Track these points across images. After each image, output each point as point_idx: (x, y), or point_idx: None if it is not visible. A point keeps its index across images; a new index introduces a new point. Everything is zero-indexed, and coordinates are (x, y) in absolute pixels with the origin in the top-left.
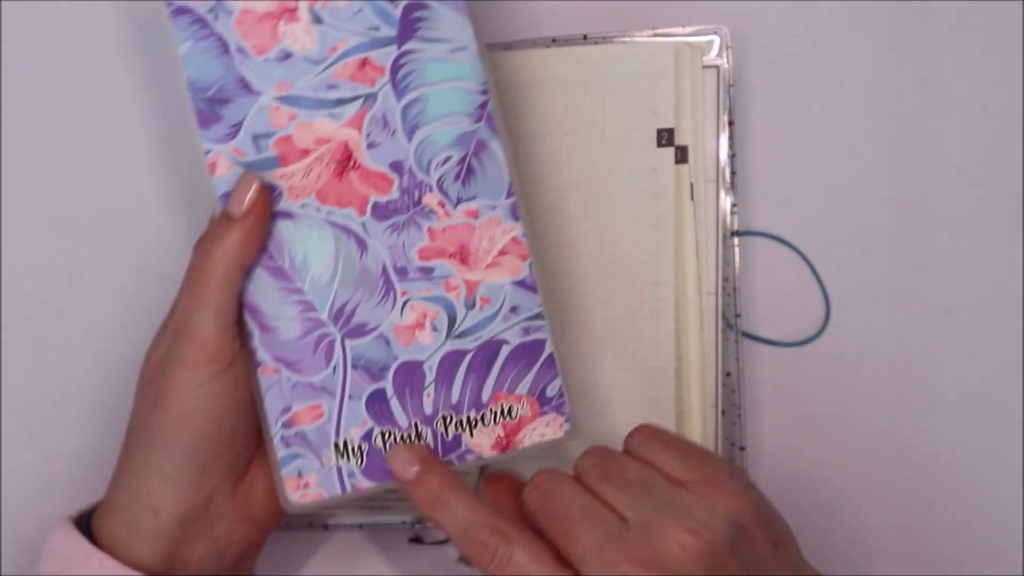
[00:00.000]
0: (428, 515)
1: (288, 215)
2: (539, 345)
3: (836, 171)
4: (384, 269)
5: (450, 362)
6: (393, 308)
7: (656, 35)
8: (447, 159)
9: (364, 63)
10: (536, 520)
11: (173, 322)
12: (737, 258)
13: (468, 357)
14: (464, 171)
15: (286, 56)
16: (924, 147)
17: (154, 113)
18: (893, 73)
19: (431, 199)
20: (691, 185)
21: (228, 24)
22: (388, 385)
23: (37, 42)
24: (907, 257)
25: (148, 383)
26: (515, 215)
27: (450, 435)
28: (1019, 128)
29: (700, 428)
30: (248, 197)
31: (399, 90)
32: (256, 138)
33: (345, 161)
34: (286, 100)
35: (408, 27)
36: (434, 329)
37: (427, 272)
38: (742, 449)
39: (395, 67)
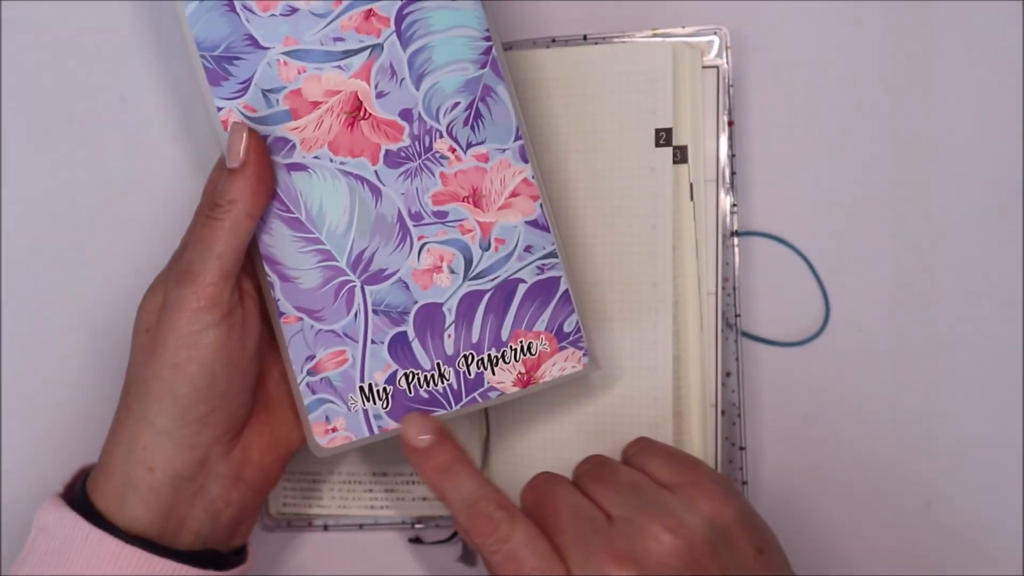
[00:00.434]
0: (435, 485)
1: (302, 167)
2: (554, 282)
3: (836, 171)
4: (399, 215)
5: (469, 303)
6: (410, 253)
7: (656, 35)
8: (455, 105)
9: (369, 14)
10: (531, 516)
11: (175, 272)
12: (737, 258)
13: (486, 297)
14: (472, 116)
15: (291, 11)
16: (924, 147)
17: (154, 112)
18: (893, 73)
19: (442, 145)
20: (691, 185)
21: None
22: (409, 328)
23: (37, 41)
24: (907, 257)
25: (144, 331)
26: (524, 157)
27: (472, 374)
28: (1019, 128)
29: (700, 428)
30: (242, 146)
31: (404, 39)
32: (266, 93)
33: (355, 111)
34: (294, 54)
35: None
36: (451, 271)
37: (442, 216)
38: (742, 449)
39: (399, 17)
